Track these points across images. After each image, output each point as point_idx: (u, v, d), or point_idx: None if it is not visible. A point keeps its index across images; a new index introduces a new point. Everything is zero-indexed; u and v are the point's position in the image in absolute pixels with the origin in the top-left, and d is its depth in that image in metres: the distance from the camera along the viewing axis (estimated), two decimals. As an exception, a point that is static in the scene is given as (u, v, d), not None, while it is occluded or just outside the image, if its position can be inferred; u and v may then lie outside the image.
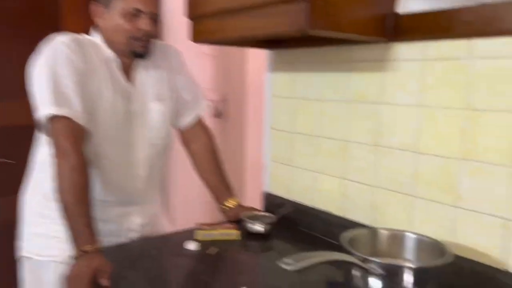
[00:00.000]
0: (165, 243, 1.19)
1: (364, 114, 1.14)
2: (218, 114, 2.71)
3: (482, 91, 0.91)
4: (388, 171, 1.09)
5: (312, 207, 1.30)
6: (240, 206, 1.32)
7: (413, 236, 0.88)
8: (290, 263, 0.66)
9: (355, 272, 0.78)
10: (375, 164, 1.12)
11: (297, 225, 1.31)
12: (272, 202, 1.41)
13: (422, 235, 0.88)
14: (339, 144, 1.21)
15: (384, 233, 0.90)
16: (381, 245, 0.90)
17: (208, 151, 1.34)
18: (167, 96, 1.26)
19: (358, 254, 0.76)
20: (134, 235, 1.25)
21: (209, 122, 2.68)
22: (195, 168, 1.36)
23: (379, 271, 0.73)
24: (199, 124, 1.35)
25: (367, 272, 0.75)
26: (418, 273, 0.74)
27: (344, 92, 1.19)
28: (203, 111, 1.36)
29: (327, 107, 1.24)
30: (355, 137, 1.17)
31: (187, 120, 1.33)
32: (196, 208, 2.54)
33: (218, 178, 1.33)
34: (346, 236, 0.85)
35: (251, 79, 2.45)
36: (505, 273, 0.89)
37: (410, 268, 0.75)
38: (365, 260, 0.75)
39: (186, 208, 2.58)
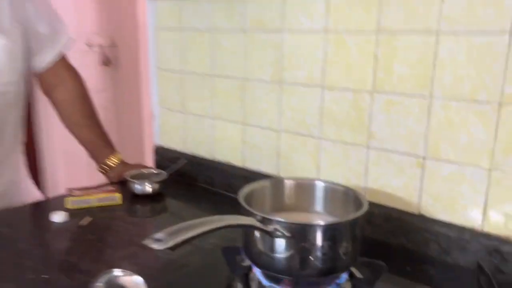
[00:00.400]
0: (25, 216, 0.94)
1: (264, 45, 0.96)
2: (107, 62, 2.37)
3: (396, 9, 0.77)
4: (293, 112, 0.94)
5: (211, 159, 1.12)
6: (124, 164, 1.10)
7: (323, 184, 0.75)
8: (161, 240, 0.47)
9: (257, 234, 0.62)
10: (278, 104, 0.96)
11: (195, 180, 1.13)
12: (165, 157, 1.20)
13: (333, 183, 0.75)
14: (238, 83, 1.03)
15: (289, 183, 0.75)
16: (287, 198, 0.75)
17: (77, 99, 1.07)
18: (12, 27, 0.95)
19: (257, 213, 0.60)
20: (-17, 209, 0.98)
21: (97, 71, 2.35)
22: (62, 120, 1.09)
23: (283, 232, 0.58)
24: (62, 64, 1.07)
25: (269, 235, 0.59)
26: (328, 230, 0.60)
27: (240, 19, 0.99)
28: (67, 48, 1.07)
29: (222, 39, 1.03)
30: (255, 74, 0.99)
31: (45, 59, 1.04)
32: (79, 170, 2.23)
33: (92, 132, 1.08)
34: (244, 192, 0.68)
35: (143, 18, 2.14)
36: (419, 216, 0.80)
37: (318, 226, 0.61)
38: (264, 221, 0.59)
39: (67, 171, 2.25)
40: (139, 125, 2.28)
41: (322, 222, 0.61)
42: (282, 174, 0.98)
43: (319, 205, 0.74)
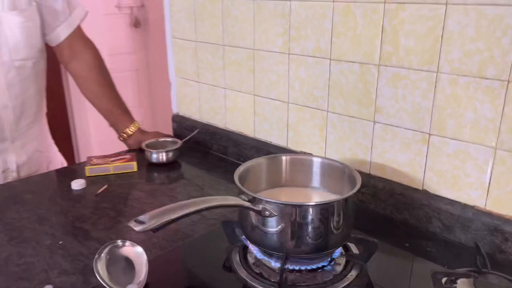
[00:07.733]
0: (47, 184, 1.01)
1: (274, 14, 0.94)
2: (137, 24, 2.39)
3: (404, -22, 0.73)
4: (301, 84, 0.93)
5: (224, 128, 1.14)
6: (142, 132, 1.14)
7: (319, 160, 0.75)
8: (143, 222, 0.50)
9: (250, 212, 0.64)
10: (287, 76, 0.95)
11: (209, 149, 1.16)
12: (182, 125, 1.23)
13: (330, 159, 0.75)
14: (248, 53, 1.02)
15: (285, 159, 0.76)
16: (285, 174, 0.76)
17: (93, 70, 1.11)
18: (28, 5, 0.98)
19: (247, 192, 0.62)
20: (11, 176, 1.06)
21: (127, 33, 2.38)
22: (81, 91, 1.13)
23: (271, 211, 0.60)
24: (77, 37, 1.10)
25: (259, 214, 0.61)
26: (316, 209, 0.61)
27: (249, -13, 0.97)
28: (80, 19, 1.09)
29: (233, 7, 1.02)
30: (265, 44, 0.97)
31: (60, 34, 1.07)
32: (109, 137, 2.33)
33: (110, 102, 1.12)
34: (240, 169, 0.70)
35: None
36: (423, 192, 0.79)
37: (304, 205, 0.62)
38: (253, 200, 0.61)
39: (98, 138, 2.34)
40: (168, 89, 2.32)
41: (309, 202, 0.62)
42: (290, 145, 0.99)
43: (316, 181, 0.75)
